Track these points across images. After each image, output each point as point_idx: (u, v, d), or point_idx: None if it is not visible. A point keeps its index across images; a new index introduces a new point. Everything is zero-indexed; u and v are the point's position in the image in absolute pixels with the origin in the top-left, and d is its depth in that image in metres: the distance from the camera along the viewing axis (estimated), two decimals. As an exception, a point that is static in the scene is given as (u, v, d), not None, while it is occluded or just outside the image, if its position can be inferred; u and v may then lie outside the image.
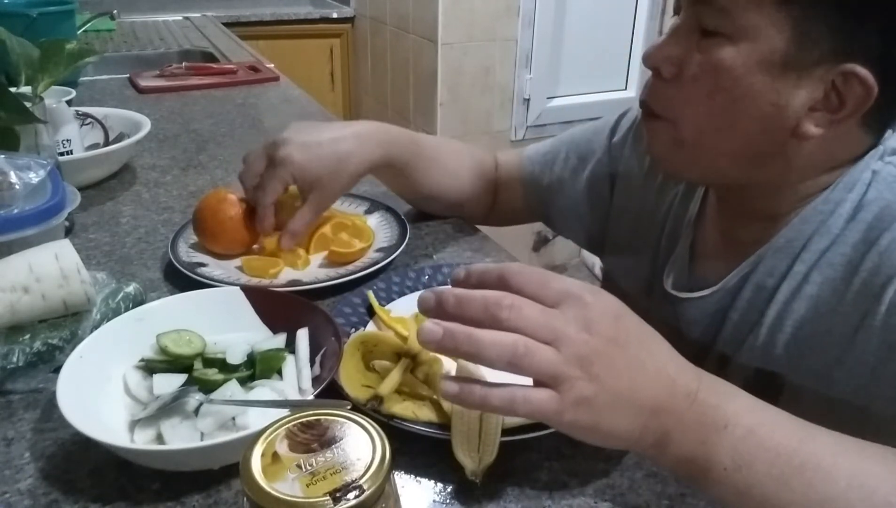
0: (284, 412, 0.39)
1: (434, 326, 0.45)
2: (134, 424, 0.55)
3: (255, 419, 0.54)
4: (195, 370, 0.59)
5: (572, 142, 0.92)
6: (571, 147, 0.91)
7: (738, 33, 0.57)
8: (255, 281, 0.77)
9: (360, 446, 0.36)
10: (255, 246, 0.85)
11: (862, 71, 0.55)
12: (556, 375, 0.45)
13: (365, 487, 0.33)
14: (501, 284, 0.48)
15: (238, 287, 0.67)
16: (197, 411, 0.55)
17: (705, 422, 0.47)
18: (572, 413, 0.45)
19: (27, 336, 0.61)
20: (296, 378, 0.59)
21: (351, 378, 0.60)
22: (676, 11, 0.65)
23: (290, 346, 0.62)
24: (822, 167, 0.62)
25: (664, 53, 0.63)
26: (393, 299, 0.74)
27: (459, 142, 0.99)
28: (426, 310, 0.48)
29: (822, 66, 0.56)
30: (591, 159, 0.88)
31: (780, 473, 0.46)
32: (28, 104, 0.87)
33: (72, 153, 1.04)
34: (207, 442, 0.52)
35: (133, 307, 0.67)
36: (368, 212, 0.94)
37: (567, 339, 0.45)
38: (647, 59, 0.64)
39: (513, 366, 0.45)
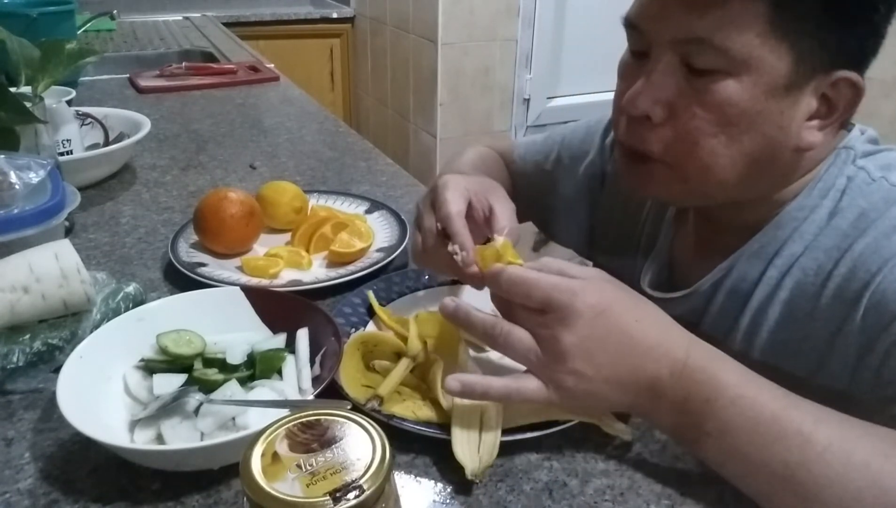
0: (284, 412, 0.39)
1: (450, 302, 0.55)
2: (134, 424, 0.55)
3: (255, 419, 0.54)
4: (195, 370, 0.59)
5: (564, 142, 0.91)
6: (564, 147, 0.91)
7: (738, 68, 0.56)
8: (255, 281, 0.77)
9: (360, 446, 0.36)
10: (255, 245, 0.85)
11: (853, 75, 0.58)
12: (532, 366, 0.52)
13: (365, 487, 0.33)
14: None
15: (238, 287, 0.67)
16: (197, 411, 0.55)
17: (690, 396, 0.50)
18: (560, 399, 0.52)
19: (27, 336, 0.61)
20: (296, 378, 0.59)
21: (351, 378, 0.60)
22: (637, 51, 0.63)
23: (290, 346, 0.62)
24: (799, 174, 0.63)
25: (652, 98, 0.60)
26: (393, 300, 0.74)
27: (485, 149, 0.96)
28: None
29: (816, 78, 0.58)
30: (583, 160, 0.88)
31: (761, 439, 0.48)
32: (28, 104, 0.87)
33: (72, 153, 1.04)
34: (207, 442, 0.52)
35: (133, 307, 0.67)
36: (368, 212, 0.94)
37: (545, 339, 0.51)
38: (635, 107, 0.61)
39: (490, 342, 0.54)
